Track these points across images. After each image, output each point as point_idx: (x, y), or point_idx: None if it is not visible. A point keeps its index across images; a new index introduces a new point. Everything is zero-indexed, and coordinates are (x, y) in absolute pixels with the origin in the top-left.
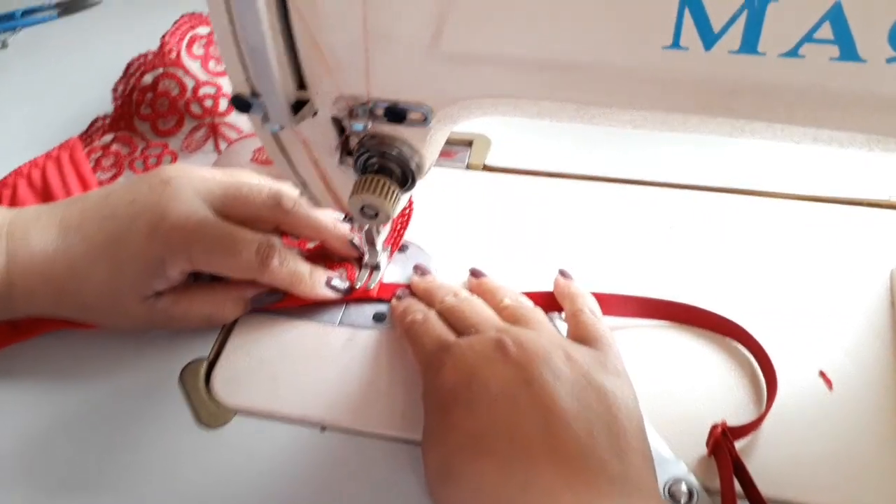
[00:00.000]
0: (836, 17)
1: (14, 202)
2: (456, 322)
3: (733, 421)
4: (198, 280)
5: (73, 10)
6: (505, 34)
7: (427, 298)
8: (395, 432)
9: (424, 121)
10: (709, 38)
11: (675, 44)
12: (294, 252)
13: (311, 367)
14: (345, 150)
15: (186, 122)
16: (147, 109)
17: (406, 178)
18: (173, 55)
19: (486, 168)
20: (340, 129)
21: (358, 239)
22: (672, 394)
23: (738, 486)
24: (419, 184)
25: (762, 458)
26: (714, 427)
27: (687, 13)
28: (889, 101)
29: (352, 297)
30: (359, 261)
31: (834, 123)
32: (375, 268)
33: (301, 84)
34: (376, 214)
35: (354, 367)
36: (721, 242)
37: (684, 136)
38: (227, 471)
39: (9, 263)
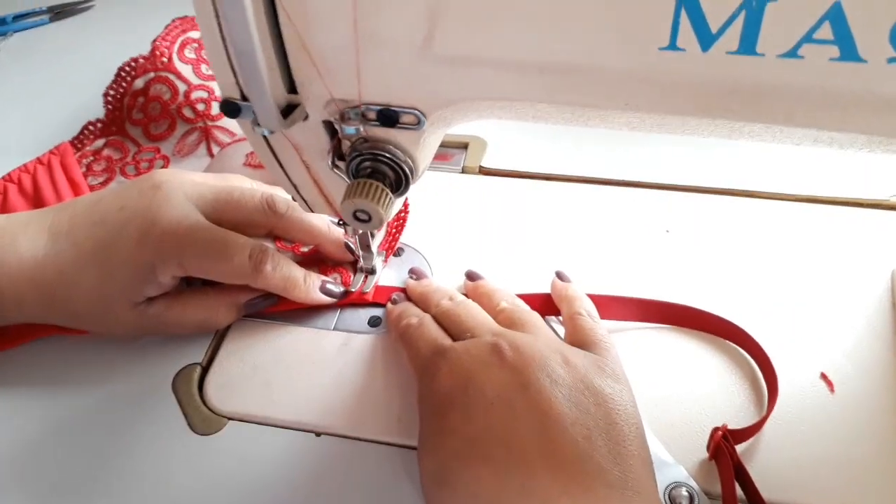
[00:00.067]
0: (835, 16)
1: (4, 208)
2: (451, 326)
3: (734, 424)
4: (190, 285)
5: (65, 15)
6: (498, 36)
7: (423, 302)
8: (390, 438)
9: (417, 124)
10: (706, 39)
11: (672, 45)
12: (288, 257)
13: (305, 372)
14: (337, 154)
15: (179, 127)
16: (139, 114)
17: (399, 182)
18: (165, 59)
19: (482, 171)
20: (332, 132)
21: (353, 243)
22: (672, 397)
23: (739, 490)
24: (413, 187)
25: (763, 462)
26: (715, 430)
27: (683, 14)
28: (890, 101)
29: (347, 301)
30: (353, 265)
31: (834, 125)
32: (371, 272)
33: (291, 87)
34: (369, 219)
35: (349, 373)
36: (720, 244)
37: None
38: (220, 478)
39: None
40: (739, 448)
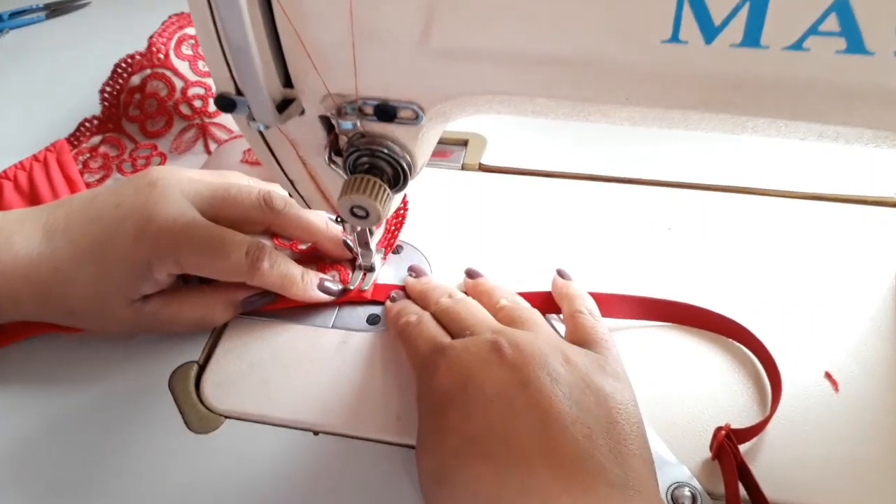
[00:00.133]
0: (841, 8)
1: (0, 205)
2: (451, 324)
3: (737, 424)
4: (187, 283)
5: (62, 12)
6: (497, 29)
7: (422, 300)
8: (389, 437)
9: (415, 119)
10: (709, 32)
11: (675, 37)
12: (285, 254)
13: (303, 370)
14: (334, 149)
15: (176, 123)
16: (135, 111)
17: (397, 178)
18: (161, 56)
19: (482, 168)
20: (329, 127)
21: (351, 240)
22: (674, 396)
23: (742, 491)
24: (412, 184)
25: (767, 462)
26: (718, 430)
27: (686, 5)
28: None
29: (345, 299)
30: (352, 262)
31: (840, 119)
32: (369, 269)
33: (287, 82)
34: (367, 215)
35: (348, 371)
36: (722, 242)
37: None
38: (217, 476)
39: None
40: (743, 448)
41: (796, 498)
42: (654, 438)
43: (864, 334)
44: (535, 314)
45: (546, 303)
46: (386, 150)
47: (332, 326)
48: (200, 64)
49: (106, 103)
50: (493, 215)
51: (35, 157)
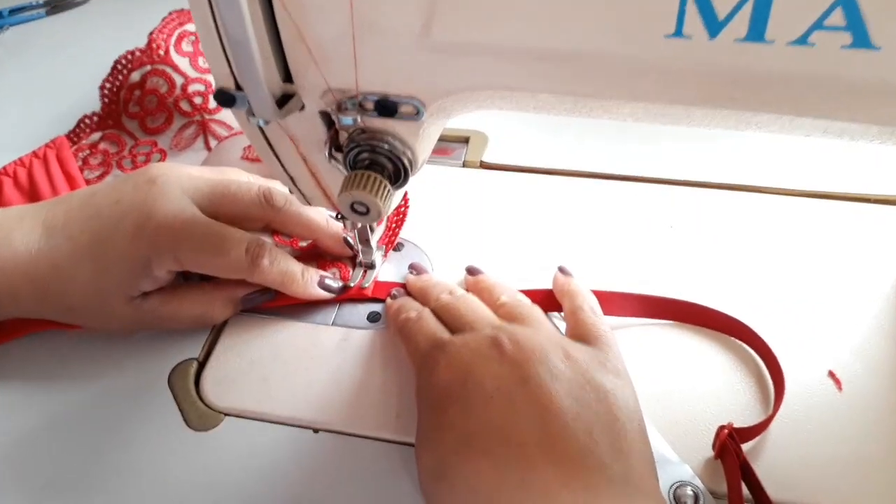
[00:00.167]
0: (848, 2)
1: (0, 202)
2: (451, 320)
3: (739, 423)
4: (187, 280)
5: (61, 9)
6: (499, 23)
7: (422, 297)
8: (389, 435)
9: (417, 114)
10: (713, 26)
11: (678, 32)
12: (285, 251)
13: (303, 368)
14: (334, 145)
15: (176, 120)
16: (135, 107)
17: (398, 174)
18: (162, 52)
19: (483, 165)
20: (329, 123)
21: (351, 237)
22: (676, 395)
23: (745, 490)
24: (413, 181)
25: (770, 461)
26: (721, 429)
27: (690, 0)
28: None
29: (345, 296)
30: (352, 260)
31: (845, 115)
32: (370, 266)
33: (287, 76)
34: (367, 211)
35: (348, 369)
36: (724, 240)
37: (686, 130)
38: (216, 474)
39: None
40: (745, 447)
41: (799, 497)
42: (656, 437)
43: (868, 333)
44: (536, 310)
45: (547, 300)
46: (387, 146)
47: (333, 324)
48: (201, 60)
49: (106, 100)
50: (495, 213)
51: (35, 154)
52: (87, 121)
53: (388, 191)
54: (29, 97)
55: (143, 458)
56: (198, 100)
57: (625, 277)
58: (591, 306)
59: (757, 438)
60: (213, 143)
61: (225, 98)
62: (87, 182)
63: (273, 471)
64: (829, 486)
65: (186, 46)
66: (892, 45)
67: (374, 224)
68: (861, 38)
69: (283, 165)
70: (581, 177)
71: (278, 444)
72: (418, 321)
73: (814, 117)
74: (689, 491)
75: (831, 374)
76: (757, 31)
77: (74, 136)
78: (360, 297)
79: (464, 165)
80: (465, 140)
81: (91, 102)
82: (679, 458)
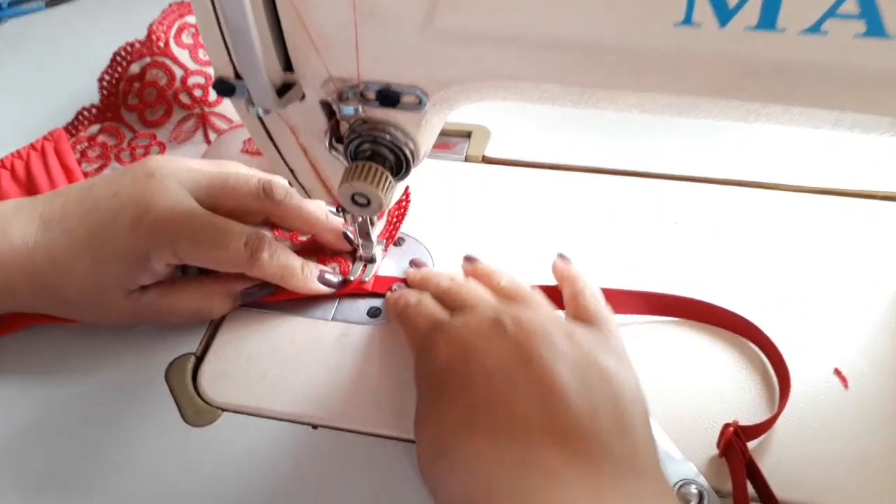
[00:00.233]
0: None
1: None
2: (451, 303)
3: (744, 420)
4: (185, 273)
5: (61, 1)
6: (503, 10)
7: (422, 286)
8: (389, 431)
9: (419, 104)
10: (724, 14)
11: (687, 20)
12: (285, 245)
13: (302, 363)
14: (334, 135)
15: (175, 113)
16: (134, 99)
17: (400, 166)
18: (161, 44)
19: (486, 160)
20: (330, 113)
21: (351, 232)
22: (680, 392)
23: (750, 489)
24: (414, 175)
25: (775, 459)
26: (726, 427)
27: None
28: None
29: (346, 291)
30: (352, 254)
31: (858, 106)
32: (370, 260)
33: (287, 65)
34: (368, 203)
35: (347, 364)
36: (730, 236)
37: (691, 125)
38: (214, 471)
39: None
40: (750, 445)
41: (805, 496)
42: (660, 434)
43: (874, 330)
44: (537, 293)
45: (550, 296)
46: (388, 137)
47: (332, 319)
48: (201, 53)
49: (105, 92)
50: (497, 208)
51: (32, 147)
52: (85, 113)
53: (390, 182)
54: (27, 89)
55: (139, 454)
56: (197, 92)
57: (628, 274)
58: (592, 290)
59: (762, 437)
60: (212, 136)
61: (224, 87)
62: (86, 175)
63: (271, 467)
64: (835, 484)
65: (186, 38)
66: None
67: (375, 217)
68: (875, 27)
69: (282, 157)
70: (584, 172)
71: (277, 440)
72: (418, 305)
73: (825, 108)
74: (693, 489)
75: (837, 372)
76: (768, 19)
77: (73, 128)
78: (360, 292)
79: (466, 160)
80: (467, 134)
81: (90, 95)
82: (683, 455)
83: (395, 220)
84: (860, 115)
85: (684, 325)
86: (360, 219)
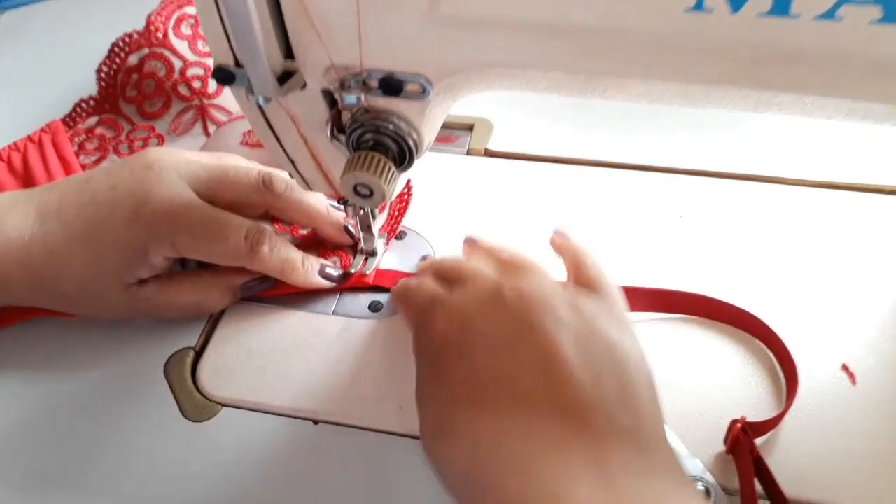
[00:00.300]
0: None
1: None
2: (451, 278)
3: (751, 417)
4: (184, 267)
5: None
6: None
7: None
8: (390, 427)
9: (423, 93)
10: (736, 0)
11: (699, 6)
12: (285, 238)
13: (302, 358)
14: (336, 125)
15: (174, 104)
16: (133, 91)
17: (403, 157)
18: (160, 35)
19: (488, 153)
20: (331, 102)
21: (352, 225)
22: (686, 389)
23: (758, 486)
24: (416, 167)
25: (783, 456)
26: (733, 423)
27: None
28: None
29: (347, 284)
30: (353, 248)
31: (873, 95)
32: (371, 254)
33: (288, 52)
34: (371, 194)
35: (349, 359)
36: (735, 231)
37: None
38: (213, 466)
39: None
40: (758, 442)
41: (813, 493)
42: (666, 431)
43: (882, 326)
44: (538, 264)
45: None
46: (391, 127)
47: (333, 313)
48: (200, 44)
49: (103, 83)
50: (499, 202)
51: (30, 138)
52: (83, 105)
53: (393, 173)
54: (25, 81)
55: (138, 449)
56: (197, 84)
57: (633, 269)
58: (594, 260)
59: (769, 433)
60: (211, 128)
61: (224, 75)
62: (83, 167)
63: (271, 463)
64: (844, 481)
65: (185, 29)
66: None
67: (377, 210)
68: (892, 13)
69: (283, 148)
70: (588, 165)
71: (277, 435)
72: (419, 286)
73: (838, 97)
74: (700, 486)
75: (845, 368)
76: (782, 5)
77: (70, 120)
78: (361, 286)
79: (468, 153)
80: (470, 127)
81: (88, 86)
82: (690, 452)
83: (396, 213)
84: (875, 104)
85: (690, 321)
86: (361, 212)
